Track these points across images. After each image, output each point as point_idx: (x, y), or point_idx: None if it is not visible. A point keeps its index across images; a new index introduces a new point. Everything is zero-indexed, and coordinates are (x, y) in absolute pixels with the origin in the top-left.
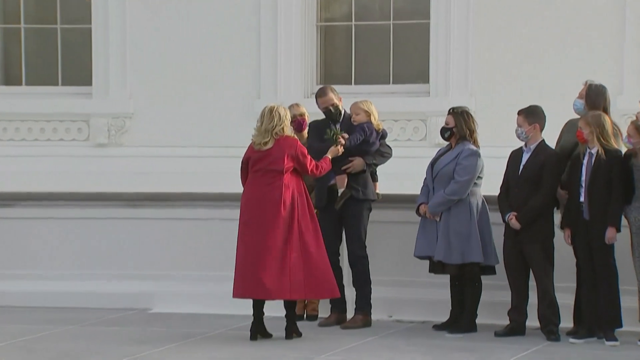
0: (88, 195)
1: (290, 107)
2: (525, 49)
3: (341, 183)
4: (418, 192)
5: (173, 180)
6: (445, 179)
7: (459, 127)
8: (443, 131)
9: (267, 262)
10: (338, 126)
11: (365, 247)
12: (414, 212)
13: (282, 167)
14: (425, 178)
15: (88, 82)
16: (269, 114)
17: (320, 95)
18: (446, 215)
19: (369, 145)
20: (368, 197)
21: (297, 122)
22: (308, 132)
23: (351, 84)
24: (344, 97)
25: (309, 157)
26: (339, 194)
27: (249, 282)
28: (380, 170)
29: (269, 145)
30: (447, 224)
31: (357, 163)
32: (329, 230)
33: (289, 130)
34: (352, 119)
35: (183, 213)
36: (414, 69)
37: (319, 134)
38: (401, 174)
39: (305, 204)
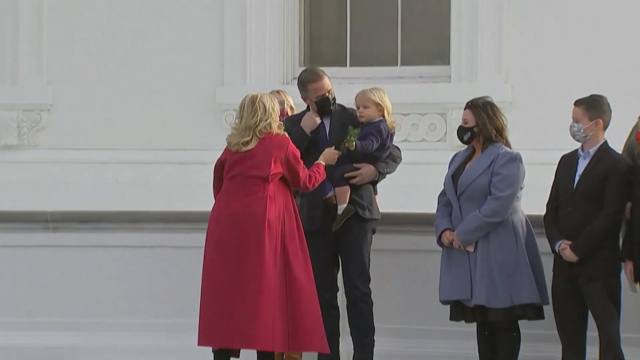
0: None
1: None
2: (580, 18)
3: (342, 197)
4: (432, 210)
5: (106, 195)
6: (479, 196)
7: (482, 126)
8: (461, 132)
9: (243, 301)
10: (351, 127)
11: (370, 281)
12: (427, 238)
13: (267, 173)
14: (442, 194)
15: None
16: (250, 105)
17: (312, 79)
18: (484, 243)
19: (384, 150)
20: (373, 216)
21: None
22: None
23: (345, 65)
24: (336, 84)
25: (302, 162)
26: (339, 212)
27: (219, 325)
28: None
29: (251, 146)
30: (487, 255)
31: (367, 172)
32: (321, 259)
33: (277, 126)
34: (358, 114)
35: (120, 239)
36: (429, 46)
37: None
38: (410, 186)
39: (295, 225)
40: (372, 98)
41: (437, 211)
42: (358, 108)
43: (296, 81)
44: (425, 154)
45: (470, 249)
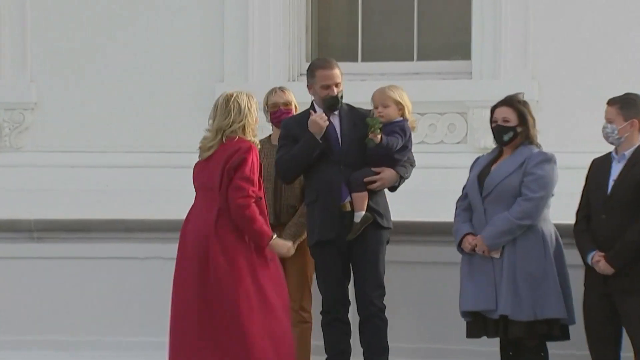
0: None
1: (271, 93)
2: (614, 5)
3: (360, 204)
4: (450, 218)
5: (95, 202)
6: (507, 197)
7: (525, 126)
8: (501, 131)
9: (207, 328)
10: (378, 117)
11: (384, 295)
12: (445, 249)
13: (216, 184)
14: (461, 199)
15: None
16: (224, 105)
17: (322, 65)
18: (510, 250)
19: (405, 152)
20: (390, 225)
21: (280, 115)
22: (280, 133)
23: (357, 60)
24: (347, 80)
25: (251, 179)
26: (356, 220)
27: (188, 351)
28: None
29: (212, 152)
30: (513, 262)
31: (389, 177)
32: (332, 271)
33: (251, 131)
34: (376, 114)
35: (111, 250)
36: (448, 39)
37: (297, 136)
38: (427, 192)
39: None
40: (392, 96)
41: (455, 216)
42: (376, 107)
43: (302, 78)
44: (444, 157)
45: (496, 254)
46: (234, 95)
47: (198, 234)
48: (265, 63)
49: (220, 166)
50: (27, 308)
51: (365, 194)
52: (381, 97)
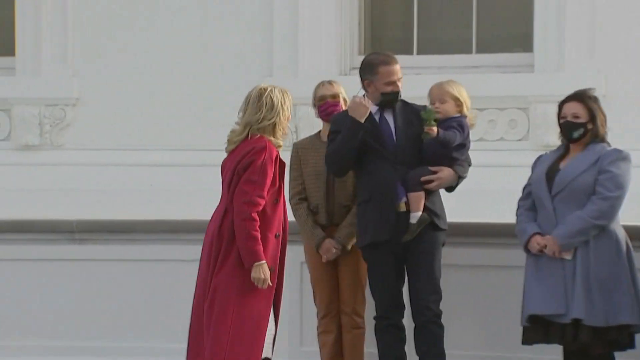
0: (7, 224)
1: (319, 87)
2: None
3: (416, 204)
4: (509, 219)
5: (140, 202)
6: (580, 195)
7: (596, 124)
8: (570, 128)
9: (211, 332)
10: (434, 109)
11: (441, 300)
12: (505, 252)
13: (228, 180)
14: (524, 198)
15: (9, 51)
16: (257, 99)
17: (385, 60)
18: (584, 252)
19: (463, 150)
20: (446, 227)
21: (327, 107)
22: (330, 129)
23: (412, 53)
24: (403, 73)
25: (258, 182)
26: (413, 220)
27: (193, 352)
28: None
29: (236, 146)
30: (587, 265)
31: (447, 176)
32: (387, 274)
33: (281, 130)
34: (434, 108)
35: (157, 252)
36: (509, 30)
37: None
38: (485, 191)
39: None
40: (450, 91)
41: (519, 215)
42: (433, 103)
43: (355, 72)
44: (504, 155)
45: (568, 255)
46: (268, 89)
47: (210, 235)
48: (316, 57)
49: (234, 164)
50: (70, 312)
51: (422, 193)
52: (439, 93)
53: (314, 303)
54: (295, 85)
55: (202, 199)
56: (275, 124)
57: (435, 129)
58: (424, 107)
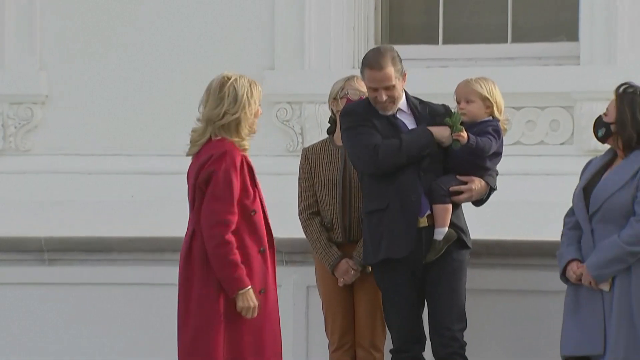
0: None
1: (351, 80)
2: None
3: (442, 218)
4: (552, 236)
5: (119, 216)
6: (617, 217)
7: (620, 124)
8: (596, 125)
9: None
10: (459, 112)
11: (466, 329)
12: (542, 274)
13: (191, 197)
14: (570, 214)
15: None
16: (217, 90)
17: (370, 64)
18: (623, 282)
19: (497, 160)
20: (470, 244)
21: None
22: (347, 119)
23: (437, 43)
24: (424, 67)
25: (225, 198)
26: (438, 237)
27: None
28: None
29: (196, 150)
30: (627, 297)
31: (478, 187)
32: (405, 298)
33: (247, 128)
34: (458, 110)
35: (136, 274)
36: (550, 16)
37: (372, 120)
38: (523, 204)
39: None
40: (479, 90)
41: (562, 236)
42: (458, 102)
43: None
44: (544, 161)
45: (605, 287)
46: (232, 78)
47: (180, 259)
48: (325, 47)
49: (193, 175)
50: (37, 343)
51: (450, 206)
52: (465, 91)
53: (325, 334)
54: (300, 79)
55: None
56: (239, 120)
57: (464, 134)
58: (443, 106)
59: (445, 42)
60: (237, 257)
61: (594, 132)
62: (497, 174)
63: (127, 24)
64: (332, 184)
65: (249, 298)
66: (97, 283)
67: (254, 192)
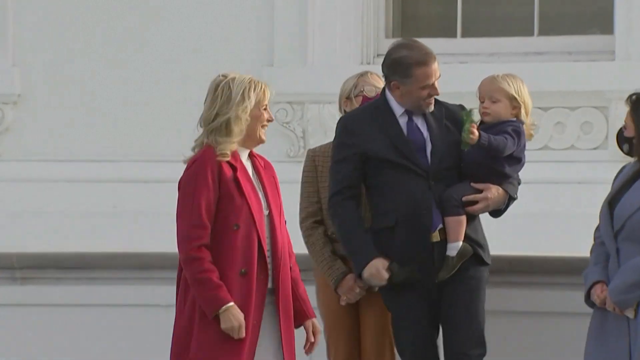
0: None
1: (364, 76)
2: None
3: (456, 231)
4: (579, 252)
5: (99, 229)
6: None
7: (639, 137)
8: (619, 140)
9: None
10: (473, 110)
11: (485, 354)
12: (569, 294)
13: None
14: (599, 230)
15: None
16: (212, 91)
17: (423, 60)
18: None
19: (517, 165)
20: (489, 261)
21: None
22: (337, 138)
23: (455, 36)
24: (442, 62)
25: (191, 210)
26: (451, 252)
27: None
28: None
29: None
30: None
31: (495, 195)
32: (417, 321)
33: (237, 131)
34: (481, 110)
35: (117, 294)
36: (581, 7)
37: (361, 146)
38: (547, 216)
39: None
40: (506, 89)
41: (590, 253)
42: (482, 101)
43: (380, 60)
44: (576, 168)
45: (630, 314)
46: (228, 78)
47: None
48: (330, 41)
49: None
50: None
51: (464, 218)
52: (490, 89)
53: (327, 358)
54: (303, 77)
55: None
56: (228, 121)
57: (476, 133)
58: (460, 106)
59: (464, 35)
60: (209, 273)
61: (619, 147)
62: (518, 183)
63: (111, 18)
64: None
65: (232, 317)
66: (75, 304)
67: (242, 202)
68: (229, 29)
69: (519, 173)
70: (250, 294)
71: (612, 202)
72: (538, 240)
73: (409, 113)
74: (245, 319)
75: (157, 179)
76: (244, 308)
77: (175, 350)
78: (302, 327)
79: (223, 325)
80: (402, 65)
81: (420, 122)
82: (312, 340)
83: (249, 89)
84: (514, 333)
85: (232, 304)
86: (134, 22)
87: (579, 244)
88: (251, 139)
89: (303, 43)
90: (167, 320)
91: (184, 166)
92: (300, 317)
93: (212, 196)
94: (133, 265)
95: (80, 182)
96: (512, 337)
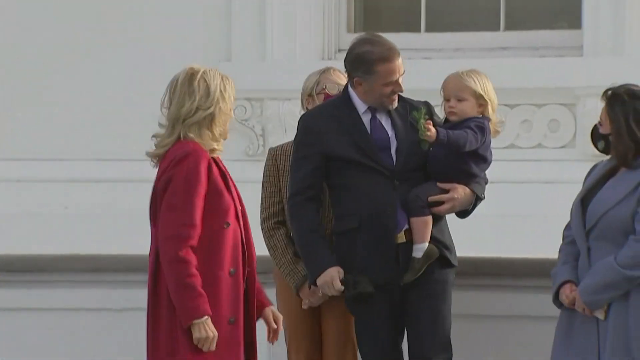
0: None
1: (326, 72)
2: None
3: (421, 233)
4: (546, 254)
5: (49, 230)
6: (615, 234)
7: (617, 134)
8: (594, 137)
9: None
10: (424, 109)
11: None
12: (538, 297)
13: (152, 209)
14: (569, 227)
15: None
16: (186, 84)
17: (386, 55)
18: (620, 309)
19: (484, 165)
20: (456, 262)
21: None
22: (297, 137)
23: (419, 30)
24: (406, 58)
25: (184, 209)
26: (416, 254)
27: None
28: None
29: (160, 152)
30: (624, 326)
31: (462, 195)
32: (382, 327)
33: (220, 127)
34: (447, 109)
35: (71, 298)
36: (549, 2)
37: (322, 147)
38: (512, 218)
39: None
40: (473, 87)
41: (559, 252)
42: (447, 100)
43: (342, 55)
44: (542, 167)
45: (600, 315)
46: (201, 71)
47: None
48: (290, 35)
49: (155, 187)
50: None
51: (430, 218)
52: (456, 87)
53: None
54: (261, 73)
55: (138, 225)
56: (213, 116)
57: (433, 129)
58: (425, 103)
59: (428, 29)
60: (195, 279)
61: (593, 144)
62: (486, 182)
63: (63, 15)
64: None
65: (207, 328)
66: (27, 308)
67: (230, 200)
68: (184, 22)
69: (498, 169)
70: (239, 293)
71: (584, 200)
72: (505, 242)
73: (372, 110)
74: (236, 319)
75: (109, 178)
76: (235, 309)
77: (163, 351)
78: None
79: (197, 335)
80: (365, 61)
81: (384, 120)
82: (275, 327)
83: (224, 83)
84: (480, 336)
85: (207, 317)
86: (86, 18)
87: (546, 245)
88: (222, 135)
89: (262, 37)
90: (121, 324)
91: (147, 160)
92: (258, 307)
93: (207, 194)
94: (85, 268)
95: (29, 181)
96: (478, 340)
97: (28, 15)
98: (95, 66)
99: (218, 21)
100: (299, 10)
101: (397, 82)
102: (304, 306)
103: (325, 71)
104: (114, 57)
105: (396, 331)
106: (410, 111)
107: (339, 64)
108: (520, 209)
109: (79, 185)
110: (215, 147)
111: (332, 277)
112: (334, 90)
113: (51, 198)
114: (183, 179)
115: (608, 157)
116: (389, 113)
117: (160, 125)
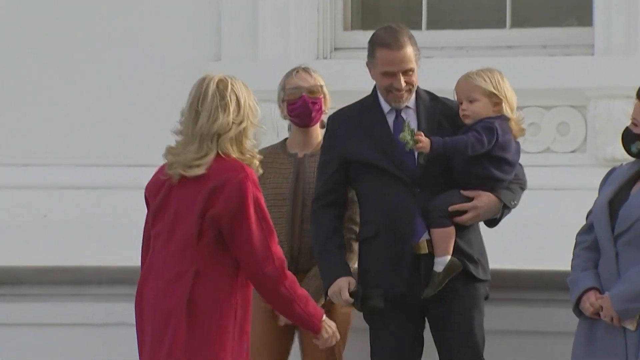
0: None
1: (290, 76)
2: None
3: (443, 244)
4: (556, 265)
5: (26, 240)
6: None
7: None
8: (627, 139)
9: None
10: (408, 120)
11: None
12: (554, 311)
13: (192, 233)
14: (584, 232)
15: None
16: (219, 96)
17: (387, 42)
18: None
19: (505, 165)
20: (488, 277)
21: (301, 106)
22: (323, 143)
23: (420, 28)
24: None
25: (268, 229)
26: (437, 268)
27: None
28: None
29: (202, 170)
30: None
31: (487, 205)
32: (401, 343)
33: (250, 140)
34: (460, 112)
35: (49, 312)
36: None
37: (344, 148)
38: (520, 226)
39: (241, 327)
40: (482, 85)
41: (574, 258)
42: (460, 102)
43: (338, 54)
44: (551, 174)
45: (631, 325)
46: (230, 81)
47: (158, 308)
48: (283, 34)
49: (197, 207)
50: None
51: (452, 229)
52: (465, 88)
53: None
54: (253, 73)
55: (123, 235)
56: (245, 131)
57: (425, 139)
58: (442, 99)
59: (429, 27)
60: (302, 290)
61: (625, 148)
62: (522, 188)
63: (51, 15)
64: (280, 200)
65: (327, 326)
66: (3, 323)
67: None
68: (172, 20)
69: (526, 177)
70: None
71: (613, 202)
72: (511, 253)
73: (397, 110)
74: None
75: (93, 185)
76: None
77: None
78: None
79: (325, 335)
80: (370, 43)
81: (410, 118)
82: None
83: (249, 93)
84: (505, 353)
85: (324, 316)
86: (74, 19)
87: (553, 255)
88: (255, 146)
89: (253, 35)
90: (104, 340)
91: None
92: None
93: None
94: (66, 281)
95: (6, 188)
96: (502, 356)
97: None
98: (78, 70)
99: (207, 18)
100: (292, 7)
101: (395, 75)
102: (280, 323)
103: (288, 75)
104: (98, 59)
105: (415, 348)
106: (454, 110)
107: (334, 63)
108: (528, 217)
109: (59, 192)
110: (256, 163)
111: (340, 288)
112: (293, 96)
113: (29, 206)
114: (255, 200)
115: (622, 162)
116: (416, 112)
117: (179, 134)
